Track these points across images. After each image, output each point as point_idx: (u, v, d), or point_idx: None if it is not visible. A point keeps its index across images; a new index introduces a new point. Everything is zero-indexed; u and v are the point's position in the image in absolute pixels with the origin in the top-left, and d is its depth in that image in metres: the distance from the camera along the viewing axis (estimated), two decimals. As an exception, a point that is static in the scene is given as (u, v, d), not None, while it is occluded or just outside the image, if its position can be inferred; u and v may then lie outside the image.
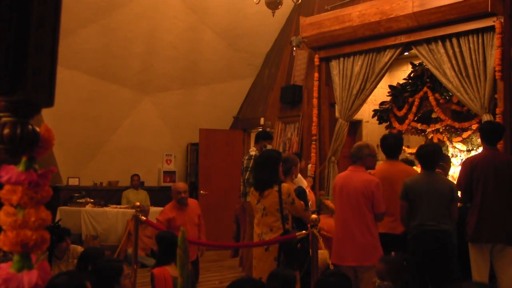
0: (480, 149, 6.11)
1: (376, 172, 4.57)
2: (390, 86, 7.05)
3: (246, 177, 6.15)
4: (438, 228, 4.17)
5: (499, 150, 4.69)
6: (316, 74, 7.30)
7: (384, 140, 4.80)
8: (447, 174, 5.34)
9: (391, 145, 4.71)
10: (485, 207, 4.27)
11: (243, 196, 6.29)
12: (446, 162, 5.27)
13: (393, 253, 3.56)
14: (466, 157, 5.51)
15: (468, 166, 4.43)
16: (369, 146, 4.40)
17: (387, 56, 6.52)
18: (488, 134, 4.45)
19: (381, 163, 4.87)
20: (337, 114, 7.22)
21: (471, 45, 5.65)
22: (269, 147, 6.44)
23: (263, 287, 2.76)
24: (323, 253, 4.27)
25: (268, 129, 8.26)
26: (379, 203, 4.09)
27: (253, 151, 6.32)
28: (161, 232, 4.41)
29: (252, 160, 6.13)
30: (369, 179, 4.16)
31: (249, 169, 6.12)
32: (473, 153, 6.09)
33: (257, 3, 5.86)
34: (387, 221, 4.45)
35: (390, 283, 3.27)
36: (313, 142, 7.27)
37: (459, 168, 6.28)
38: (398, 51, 6.42)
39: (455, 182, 4.69)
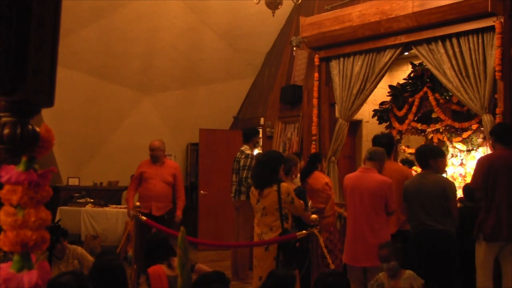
0: (480, 149, 6.12)
1: None
2: (390, 86, 7.05)
3: (243, 175, 6.12)
4: (435, 228, 4.20)
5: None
6: (316, 74, 7.30)
7: (376, 140, 4.82)
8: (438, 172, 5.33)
9: (384, 145, 4.72)
10: (503, 206, 4.22)
11: (237, 195, 6.26)
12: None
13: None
14: (481, 155, 5.41)
15: (486, 163, 4.38)
16: None
17: (387, 56, 6.51)
18: (503, 135, 4.42)
19: None
20: (337, 114, 7.21)
21: (471, 45, 5.64)
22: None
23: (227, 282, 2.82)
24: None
25: (268, 129, 8.28)
26: (391, 203, 4.15)
27: (248, 150, 6.31)
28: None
29: (249, 159, 6.13)
30: (383, 180, 4.20)
31: (246, 167, 6.10)
32: (473, 153, 6.10)
33: (257, 3, 5.85)
34: None
35: (396, 263, 3.49)
36: (313, 142, 7.27)
37: (459, 168, 6.30)
38: (398, 51, 6.41)
39: (454, 182, 4.69)
